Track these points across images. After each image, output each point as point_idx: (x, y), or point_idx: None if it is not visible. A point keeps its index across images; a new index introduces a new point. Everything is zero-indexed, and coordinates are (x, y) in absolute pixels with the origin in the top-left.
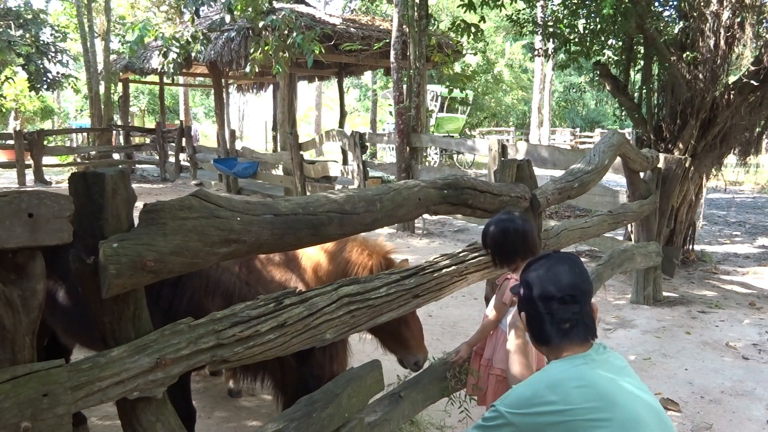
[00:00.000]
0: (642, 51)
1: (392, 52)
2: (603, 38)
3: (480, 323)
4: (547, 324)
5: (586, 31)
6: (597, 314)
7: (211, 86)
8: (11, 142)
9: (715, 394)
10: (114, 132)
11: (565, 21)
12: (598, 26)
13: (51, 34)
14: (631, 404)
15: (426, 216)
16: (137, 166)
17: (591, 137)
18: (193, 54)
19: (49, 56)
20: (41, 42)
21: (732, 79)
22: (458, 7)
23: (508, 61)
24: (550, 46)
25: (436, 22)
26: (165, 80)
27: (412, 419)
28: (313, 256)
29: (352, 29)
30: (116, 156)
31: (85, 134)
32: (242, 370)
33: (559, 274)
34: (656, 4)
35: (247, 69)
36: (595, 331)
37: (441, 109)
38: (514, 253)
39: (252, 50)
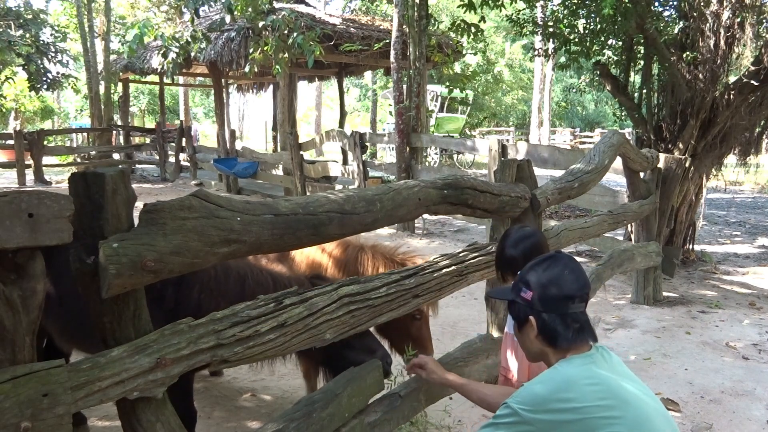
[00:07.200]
0: (642, 51)
1: (392, 52)
2: (603, 38)
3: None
4: (560, 324)
5: (586, 31)
6: None
7: (211, 86)
8: (11, 142)
9: (715, 394)
10: (114, 132)
11: (565, 21)
12: (598, 26)
13: (51, 34)
14: (640, 404)
15: (426, 216)
16: (137, 166)
17: (591, 137)
18: (192, 54)
19: (49, 56)
20: (41, 42)
21: (732, 79)
22: (458, 7)
23: (508, 61)
24: (550, 46)
25: (436, 22)
26: (165, 80)
27: (412, 419)
28: (310, 254)
29: (352, 29)
30: (116, 156)
31: (85, 134)
32: None
33: (575, 273)
34: (656, 4)
35: (247, 69)
36: (594, 332)
37: (441, 109)
38: None
39: (252, 50)
